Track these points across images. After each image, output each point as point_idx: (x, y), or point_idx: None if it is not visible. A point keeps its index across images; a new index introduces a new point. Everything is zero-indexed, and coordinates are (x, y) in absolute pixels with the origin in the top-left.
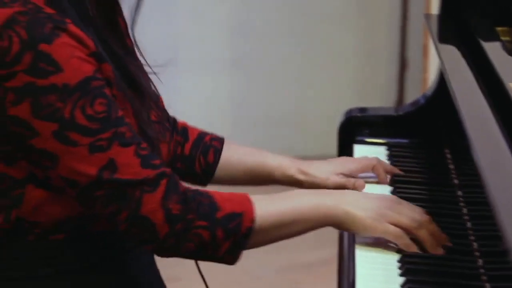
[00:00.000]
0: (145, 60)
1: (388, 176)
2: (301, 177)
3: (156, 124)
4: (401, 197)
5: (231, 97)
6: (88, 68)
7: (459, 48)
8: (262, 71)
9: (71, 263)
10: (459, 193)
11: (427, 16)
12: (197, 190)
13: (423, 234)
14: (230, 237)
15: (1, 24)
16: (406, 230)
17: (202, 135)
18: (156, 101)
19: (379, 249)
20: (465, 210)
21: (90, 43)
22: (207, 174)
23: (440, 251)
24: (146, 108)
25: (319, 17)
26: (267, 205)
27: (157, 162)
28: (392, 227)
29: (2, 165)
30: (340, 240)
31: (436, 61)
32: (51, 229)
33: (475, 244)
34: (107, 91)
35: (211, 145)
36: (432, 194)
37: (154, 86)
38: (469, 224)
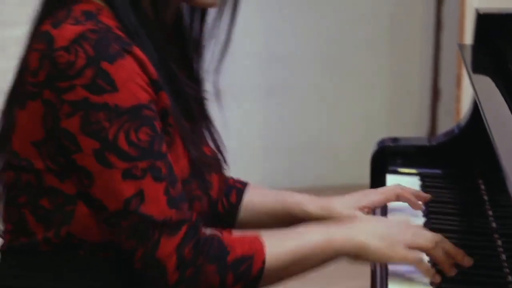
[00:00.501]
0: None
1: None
2: (323, 213)
3: (210, 158)
4: (434, 228)
5: (263, 125)
6: (143, 96)
7: (493, 78)
8: (294, 99)
9: (117, 280)
10: (494, 224)
11: (461, 46)
12: (211, 232)
13: (439, 254)
14: (241, 280)
15: (72, 39)
16: (423, 250)
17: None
18: (215, 138)
19: (412, 282)
20: (499, 242)
21: (153, 70)
22: (231, 215)
23: (453, 272)
24: (201, 140)
25: (351, 45)
26: (278, 244)
27: (184, 206)
28: (410, 253)
29: (56, 180)
30: (372, 273)
31: (469, 91)
32: (99, 246)
33: (510, 277)
34: (157, 123)
35: (234, 186)
36: (466, 225)
37: (214, 127)
38: (503, 256)
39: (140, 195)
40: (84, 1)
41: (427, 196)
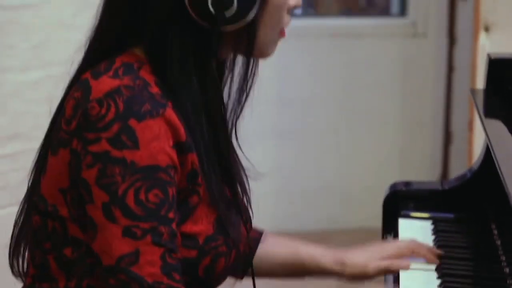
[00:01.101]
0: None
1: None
2: (337, 267)
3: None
4: (446, 273)
5: (276, 167)
6: (163, 159)
7: (505, 122)
8: (306, 142)
9: None
10: (507, 270)
11: (473, 91)
12: None
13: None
14: None
15: (106, 92)
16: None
17: None
18: (245, 189)
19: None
20: None
21: (182, 132)
22: (245, 263)
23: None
24: (236, 195)
25: (364, 88)
26: None
27: (177, 276)
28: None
29: (79, 231)
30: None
31: (481, 134)
32: None
33: None
34: (171, 189)
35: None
36: (479, 271)
37: (246, 175)
38: None
39: (135, 255)
40: (128, 52)
41: (441, 252)
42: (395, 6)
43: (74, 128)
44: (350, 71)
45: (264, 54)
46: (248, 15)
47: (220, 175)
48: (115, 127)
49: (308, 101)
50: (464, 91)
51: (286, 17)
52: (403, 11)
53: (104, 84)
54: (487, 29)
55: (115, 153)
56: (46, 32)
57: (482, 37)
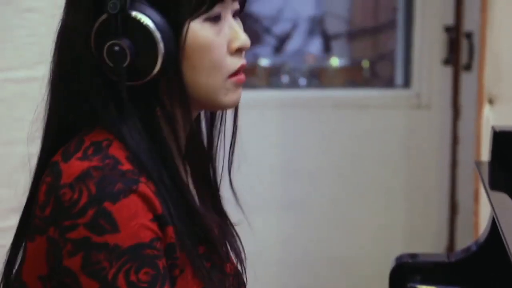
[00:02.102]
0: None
1: None
2: None
3: (231, 277)
4: None
5: (280, 238)
6: (145, 235)
7: (510, 195)
8: (311, 212)
9: None
10: None
11: (478, 163)
12: None
13: None
14: None
15: (76, 176)
16: None
17: None
18: (238, 253)
19: None
20: None
21: (158, 205)
22: None
23: None
24: (220, 264)
25: (368, 159)
26: None
27: None
28: None
29: None
30: None
31: (487, 206)
32: None
33: None
34: (160, 262)
35: None
36: None
37: (239, 238)
38: None
39: None
40: (96, 131)
41: None
42: (399, 77)
43: (48, 215)
44: (354, 142)
45: (219, 103)
46: (156, 61)
47: (200, 244)
48: (91, 212)
49: (312, 171)
50: (469, 162)
51: (231, 60)
52: (407, 83)
53: (73, 167)
54: (491, 101)
55: (96, 239)
56: None
57: (486, 109)
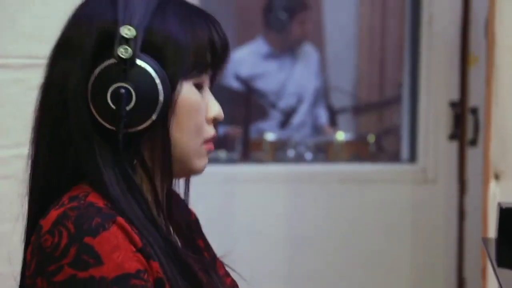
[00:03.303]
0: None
1: None
2: None
3: None
4: None
5: None
6: (130, 265)
7: None
8: (318, 286)
9: None
10: None
11: (484, 239)
12: None
13: None
14: None
15: (54, 221)
16: None
17: None
18: None
19: None
20: None
21: (137, 240)
22: None
23: None
24: None
25: (374, 234)
26: None
27: None
28: None
29: None
30: None
31: (495, 282)
32: None
33: None
34: None
35: None
36: None
37: (233, 280)
38: None
39: None
40: (74, 189)
41: None
42: (405, 152)
43: (34, 268)
44: (360, 217)
45: (191, 167)
46: (152, 111)
47: (189, 282)
48: (73, 251)
49: (318, 245)
50: (477, 238)
51: (207, 127)
52: (413, 157)
53: (50, 216)
54: (497, 176)
55: (82, 274)
56: None
57: (493, 184)
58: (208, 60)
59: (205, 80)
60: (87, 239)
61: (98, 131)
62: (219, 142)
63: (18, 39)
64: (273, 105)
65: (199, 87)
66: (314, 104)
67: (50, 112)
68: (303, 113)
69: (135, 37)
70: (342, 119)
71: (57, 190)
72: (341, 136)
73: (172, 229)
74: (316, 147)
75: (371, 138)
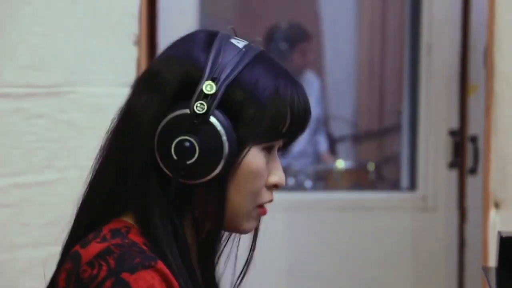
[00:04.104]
0: None
1: None
2: None
3: None
4: None
5: None
6: None
7: None
8: None
9: None
10: None
11: (485, 268)
12: None
13: None
14: None
15: (95, 254)
16: None
17: None
18: None
19: None
20: None
21: (176, 285)
22: None
23: None
24: None
25: (374, 262)
26: None
27: None
28: None
29: None
30: None
31: None
32: None
33: None
34: None
35: None
36: None
37: None
38: None
39: None
40: (114, 221)
41: None
42: (404, 180)
43: None
44: (360, 245)
45: (238, 227)
46: (213, 169)
47: None
48: (108, 283)
49: (318, 273)
50: (477, 266)
51: (265, 192)
52: (412, 186)
53: (93, 248)
54: (497, 205)
55: None
56: (60, 209)
57: (493, 213)
58: (285, 129)
59: (278, 144)
60: (124, 275)
61: (157, 171)
62: None
63: (18, 68)
64: None
65: (268, 150)
66: (314, 131)
67: (120, 137)
68: (303, 142)
69: (215, 93)
70: (342, 147)
71: (101, 217)
72: (341, 164)
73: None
74: (316, 175)
75: (371, 166)
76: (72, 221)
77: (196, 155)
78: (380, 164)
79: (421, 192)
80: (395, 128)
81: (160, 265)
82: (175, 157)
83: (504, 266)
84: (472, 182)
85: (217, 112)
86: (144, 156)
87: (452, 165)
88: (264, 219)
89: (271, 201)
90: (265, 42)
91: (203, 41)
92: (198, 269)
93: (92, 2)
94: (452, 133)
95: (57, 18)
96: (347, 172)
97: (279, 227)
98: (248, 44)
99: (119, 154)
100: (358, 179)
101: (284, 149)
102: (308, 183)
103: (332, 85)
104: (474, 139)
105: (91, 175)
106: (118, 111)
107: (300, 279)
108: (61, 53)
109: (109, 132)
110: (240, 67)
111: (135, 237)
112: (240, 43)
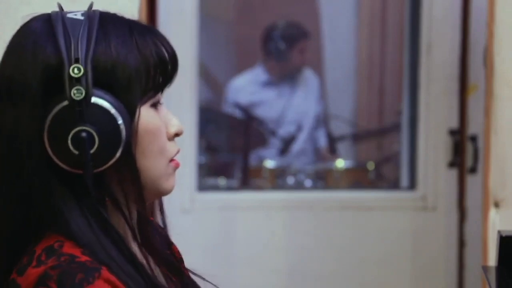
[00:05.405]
0: None
1: None
2: None
3: None
4: None
5: None
6: None
7: None
8: None
9: None
10: None
11: (485, 267)
12: None
13: None
14: None
15: (35, 283)
16: None
17: None
18: None
19: None
20: None
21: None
22: None
23: None
24: None
25: (373, 261)
26: None
27: None
28: None
29: None
30: None
31: None
32: None
33: None
34: None
35: None
36: None
37: None
38: None
39: None
40: (45, 239)
41: None
42: (404, 179)
43: None
44: (359, 244)
45: (161, 190)
46: (118, 146)
47: None
48: None
49: (318, 273)
50: (477, 266)
51: (170, 144)
52: (412, 185)
53: (30, 276)
54: (497, 204)
55: None
56: None
57: (492, 212)
58: (161, 78)
59: (160, 97)
60: None
61: (59, 177)
62: (218, 170)
63: None
64: (273, 133)
65: (156, 105)
66: (314, 129)
67: (4, 165)
68: (302, 141)
69: (84, 73)
70: (341, 146)
71: (25, 241)
72: (340, 163)
73: (154, 260)
74: (315, 175)
75: (371, 166)
76: None
77: (97, 140)
78: (379, 163)
79: (421, 191)
80: (395, 128)
81: (105, 273)
82: (75, 152)
83: (504, 265)
84: (472, 182)
85: (95, 91)
86: (37, 169)
87: (452, 164)
88: (264, 219)
89: (178, 151)
90: (263, 41)
91: (41, 28)
92: (145, 258)
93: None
94: (452, 133)
95: None
96: (346, 171)
97: (279, 226)
98: (85, 12)
99: (9, 181)
100: (358, 178)
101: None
102: (308, 182)
103: (332, 84)
104: (474, 139)
105: None
106: None
107: (300, 278)
108: None
109: None
110: (93, 37)
111: (70, 249)
112: (77, 14)
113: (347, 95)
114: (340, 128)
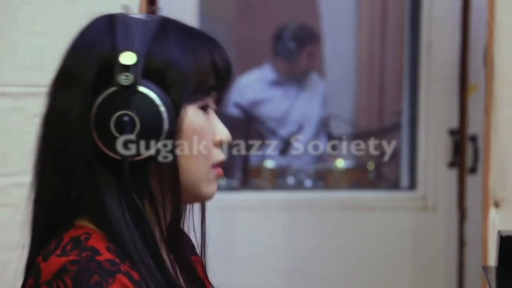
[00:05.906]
0: None
1: None
2: None
3: None
4: None
5: None
6: None
7: None
8: None
9: None
10: None
11: (485, 267)
12: None
13: None
14: None
15: (54, 273)
16: None
17: None
18: None
19: None
20: None
21: None
22: None
23: None
24: None
25: (373, 261)
26: None
27: None
28: None
29: None
30: None
31: None
32: None
33: None
34: None
35: None
36: None
37: None
38: None
39: None
40: (76, 227)
41: None
42: (404, 179)
43: None
44: (360, 244)
45: (200, 193)
46: (158, 138)
47: None
48: None
49: (317, 272)
50: (477, 265)
51: (215, 150)
52: (412, 185)
53: (51, 264)
54: (497, 204)
55: None
56: None
57: (492, 212)
58: (212, 83)
59: (210, 103)
60: None
61: (102, 161)
62: None
63: (19, 68)
64: (273, 132)
65: (204, 110)
66: (316, 134)
67: (53, 143)
68: (305, 142)
69: (136, 63)
70: (341, 146)
71: (60, 223)
72: (340, 163)
73: (178, 267)
74: (316, 174)
75: (371, 166)
76: (30, 230)
77: (138, 127)
78: (379, 163)
79: (421, 191)
80: (395, 128)
81: (120, 278)
82: (117, 135)
83: (504, 265)
84: (472, 182)
85: (144, 81)
86: (82, 150)
87: (452, 164)
88: (264, 219)
89: (223, 160)
90: (273, 40)
91: (104, 24)
92: (169, 260)
93: (92, 2)
94: (452, 133)
95: (57, 18)
96: (347, 171)
97: (279, 226)
98: (150, 15)
99: (56, 159)
100: (358, 178)
101: (217, 108)
102: (308, 182)
103: (332, 84)
104: (474, 139)
105: (35, 184)
106: (41, 118)
107: (300, 278)
108: (61, 53)
109: (38, 142)
110: (151, 35)
111: (96, 242)
112: (140, 16)
113: (347, 95)
114: (340, 128)
